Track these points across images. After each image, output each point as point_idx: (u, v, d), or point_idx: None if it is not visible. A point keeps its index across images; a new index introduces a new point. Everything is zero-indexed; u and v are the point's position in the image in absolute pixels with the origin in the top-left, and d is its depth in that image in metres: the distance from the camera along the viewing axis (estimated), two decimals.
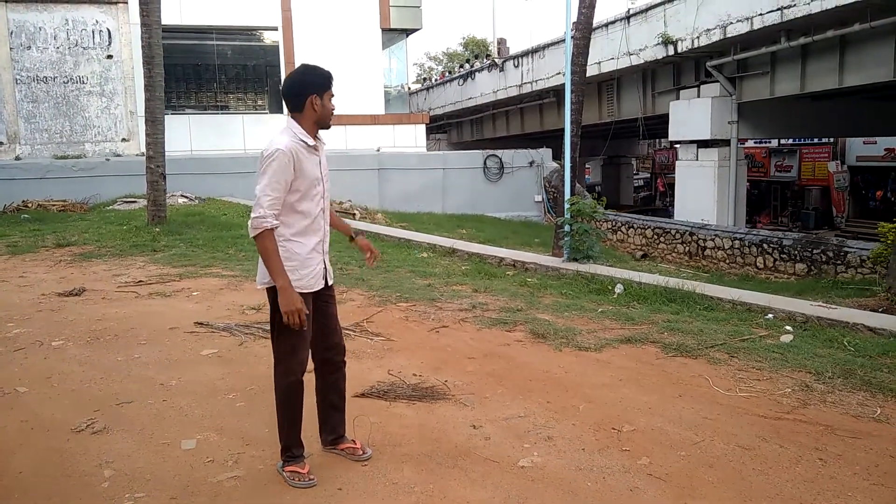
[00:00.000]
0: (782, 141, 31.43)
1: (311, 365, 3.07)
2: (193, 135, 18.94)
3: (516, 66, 27.47)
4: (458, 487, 2.94)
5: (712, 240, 15.55)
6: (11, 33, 17.78)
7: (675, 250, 16.53)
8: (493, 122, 31.76)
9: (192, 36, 19.57)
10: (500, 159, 20.12)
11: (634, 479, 3.00)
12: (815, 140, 30.13)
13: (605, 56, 21.56)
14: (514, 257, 8.51)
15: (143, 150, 12.88)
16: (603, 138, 26.81)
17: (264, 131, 18.94)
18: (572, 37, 8.86)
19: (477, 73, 30.80)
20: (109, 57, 18.63)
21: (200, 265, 8.32)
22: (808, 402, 3.81)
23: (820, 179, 30.40)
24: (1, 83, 17.79)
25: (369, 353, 4.82)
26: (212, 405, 3.87)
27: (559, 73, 22.70)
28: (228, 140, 19.17)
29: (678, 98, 20.70)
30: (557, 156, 17.33)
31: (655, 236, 17.29)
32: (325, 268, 3.08)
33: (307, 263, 2.95)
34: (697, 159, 19.93)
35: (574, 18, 9.01)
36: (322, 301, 3.06)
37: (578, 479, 3.00)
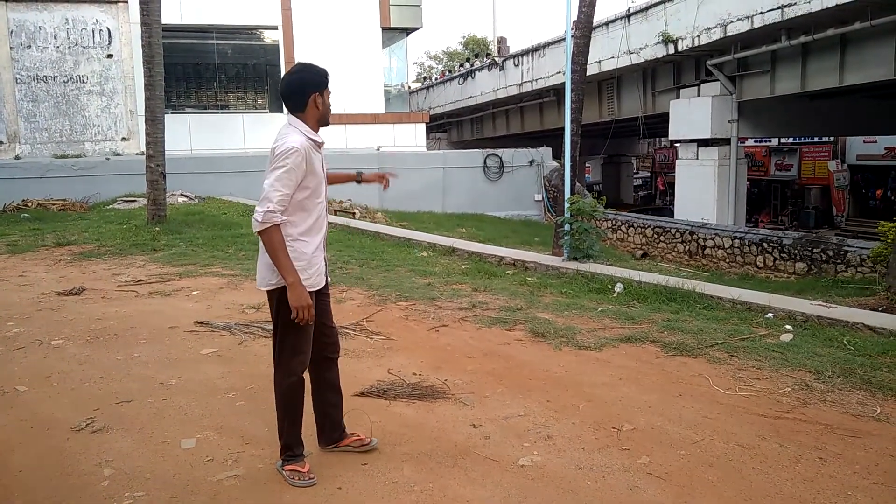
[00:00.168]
0: (782, 140, 31.42)
1: None
2: (193, 134, 18.94)
3: (516, 65, 27.46)
4: (458, 486, 2.94)
5: (712, 239, 15.54)
6: (11, 32, 17.77)
7: (675, 249, 16.53)
8: (494, 121, 31.76)
9: (192, 35, 19.56)
10: (500, 158, 20.12)
11: (634, 477, 3.00)
12: (816, 139, 30.12)
13: (606, 55, 21.55)
14: (514, 256, 8.51)
15: (143, 149, 12.88)
16: (603, 137, 26.81)
17: (264, 130, 18.95)
18: (573, 35, 8.85)
19: (477, 72, 30.80)
20: (109, 56, 18.63)
21: (200, 264, 8.32)
22: (807, 401, 3.81)
23: (820, 178, 30.40)
24: (1, 82, 17.79)
25: (369, 352, 4.82)
26: (211, 404, 3.87)
27: (559, 72, 22.70)
28: (228, 139, 19.17)
29: (678, 97, 20.70)
30: (557, 155, 17.35)
31: (655, 235, 17.29)
32: (326, 265, 3.09)
33: (313, 262, 2.96)
34: (697, 158, 19.93)
35: (574, 17, 9.01)
36: (321, 299, 3.07)
37: (578, 478, 2.99)
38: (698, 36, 18.30)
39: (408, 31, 22.32)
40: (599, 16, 18.76)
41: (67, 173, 16.28)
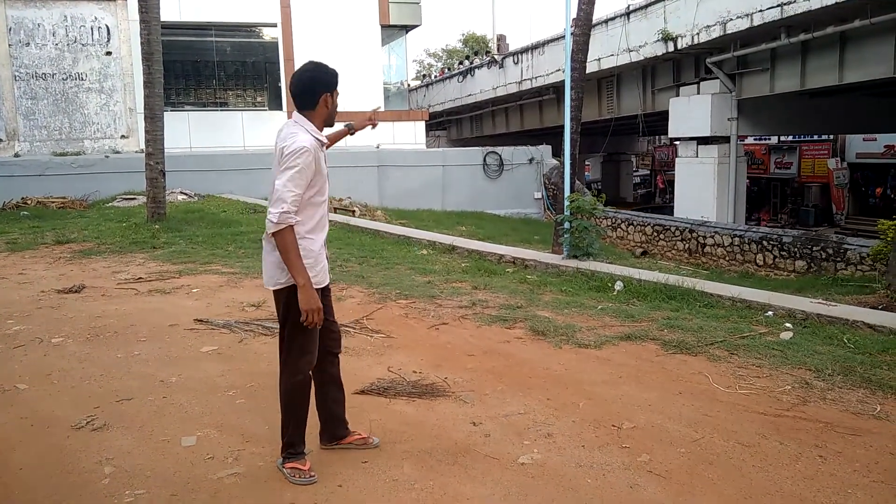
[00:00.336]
0: (782, 138, 31.40)
1: None
2: (193, 131, 18.93)
3: (516, 63, 27.43)
4: (458, 484, 2.94)
5: (712, 237, 15.54)
6: (10, 30, 17.74)
7: (675, 247, 16.52)
8: (493, 119, 31.73)
9: (191, 32, 19.54)
10: (500, 156, 20.11)
11: (634, 475, 3.00)
12: (815, 137, 30.11)
13: (605, 52, 21.53)
14: (514, 254, 8.51)
15: (143, 146, 12.87)
16: (603, 135, 26.79)
17: (263, 128, 18.95)
18: (572, 33, 8.84)
19: (476, 70, 30.76)
20: (108, 53, 18.60)
21: (200, 262, 8.31)
22: (807, 399, 3.81)
23: (820, 176, 30.38)
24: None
25: (369, 350, 4.82)
26: (212, 402, 3.87)
27: (559, 70, 22.67)
28: (228, 137, 19.16)
29: (678, 95, 20.68)
30: (557, 153, 17.32)
31: (655, 233, 17.29)
32: (327, 262, 3.10)
33: (319, 259, 2.97)
34: (697, 156, 19.92)
35: (574, 15, 9.00)
36: (324, 295, 3.08)
37: (578, 476, 3.00)
38: (698, 34, 18.28)
39: (407, 28, 22.29)
40: (599, 13, 18.70)
41: (67, 171, 16.27)
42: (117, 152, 18.29)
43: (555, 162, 19.65)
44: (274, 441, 3.14)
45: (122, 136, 18.84)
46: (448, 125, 36.44)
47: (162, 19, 11.78)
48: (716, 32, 17.72)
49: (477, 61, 32.14)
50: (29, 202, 14.75)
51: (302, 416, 3.00)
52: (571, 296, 6.44)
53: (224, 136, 19.11)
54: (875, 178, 29.67)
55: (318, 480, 2.93)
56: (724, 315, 5.58)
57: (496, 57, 29.78)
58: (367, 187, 17.85)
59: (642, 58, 20.59)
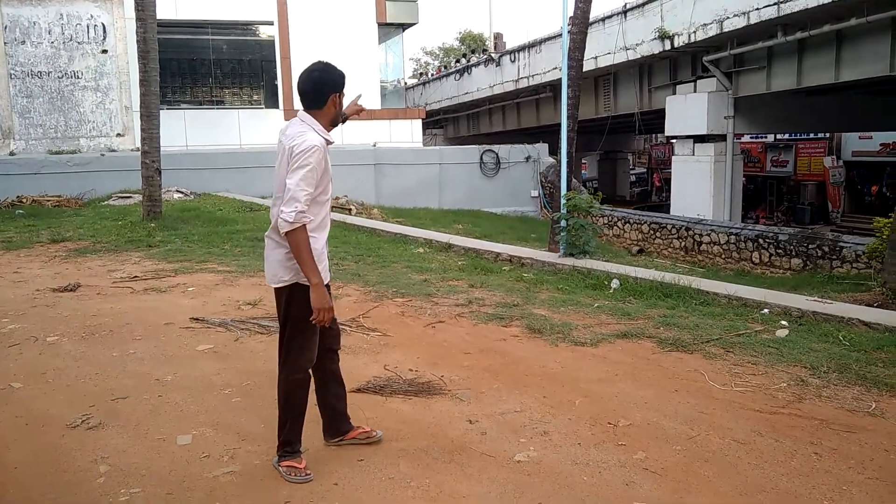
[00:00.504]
0: (778, 136, 31.46)
1: None
2: (189, 130, 18.88)
3: (513, 61, 27.41)
4: (455, 482, 2.94)
5: (708, 235, 15.56)
6: (6, 28, 17.67)
7: (672, 245, 16.54)
8: (490, 117, 31.71)
9: (187, 30, 19.47)
10: (497, 154, 20.10)
11: (630, 473, 3.01)
12: (811, 135, 30.16)
13: (602, 51, 21.52)
14: (511, 253, 8.51)
15: (139, 145, 12.82)
16: (599, 133, 26.78)
17: (260, 126, 18.90)
18: (569, 31, 8.84)
19: (473, 68, 30.74)
20: (104, 52, 18.53)
21: (196, 261, 8.30)
22: (803, 396, 3.82)
23: (815, 174, 30.45)
24: None
25: (365, 349, 4.82)
26: (207, 401, 3.87)
27: (556, 68, 22.64)
28: (224, 135, 19.11)
29: (675, 93, 20.69)
30: (554, 151, 17.31)
31: (651, 231, 17.31)
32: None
33: (321, 258, 2.98)
34: (694, 154, 19.93)
35: (571, 13, 8.99)
36: None
37: (574, 474, 3.00)
38: (694, 32, 18.28)
39: (404, 26, 22.26)
40: (596, 12, 18.62)
41: (62, 169, 16.21)
42: (113, 150, 18.24)
43: (551, 160, 19.65)
44: (269, 439, 3.13)
45: (118, 135, 18.79)
46: (445, 123, 36.42)
47: (158, 17, 11.74)
48: (712, 31, 17.73)
49: (474, 59, 32.11)
50: (24, 200, 14.69)
51: (301, 413, 3.00)
52: (568, 294, 6.44)
53: (220, 135, 19.06)
54: (871, 175, 29.73)
55: (313, 479, 2.93)
56: (720, 313, 5.59)
57: (493, 55, 29.75)
58: (363, 185, 17.81)
59: (639, 56, 20.59)
